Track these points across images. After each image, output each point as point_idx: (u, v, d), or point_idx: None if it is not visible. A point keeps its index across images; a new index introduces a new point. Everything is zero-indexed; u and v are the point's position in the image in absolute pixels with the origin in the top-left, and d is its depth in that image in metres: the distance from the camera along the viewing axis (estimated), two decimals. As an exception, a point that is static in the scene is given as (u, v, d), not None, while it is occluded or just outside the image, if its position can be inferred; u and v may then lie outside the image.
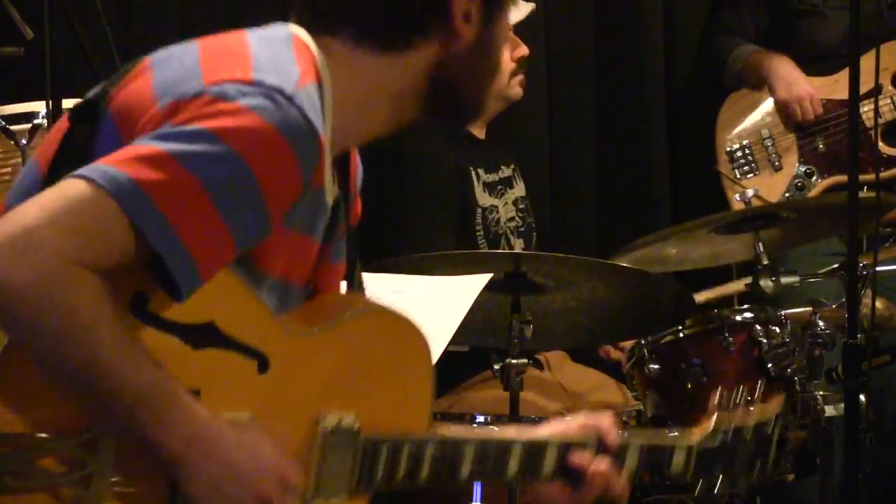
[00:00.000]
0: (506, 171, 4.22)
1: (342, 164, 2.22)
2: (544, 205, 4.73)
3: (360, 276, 2.33)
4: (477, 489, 3.48)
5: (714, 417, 2.48)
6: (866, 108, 4.22)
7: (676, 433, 2.49)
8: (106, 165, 1.87)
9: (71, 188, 1.86)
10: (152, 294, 1.93)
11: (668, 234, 3.79)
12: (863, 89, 3.11)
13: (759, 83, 4.67)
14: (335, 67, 2.08)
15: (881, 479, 4.31)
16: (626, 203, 4.93)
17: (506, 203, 4.21)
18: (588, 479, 2.33)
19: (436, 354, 3.12)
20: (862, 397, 3.11)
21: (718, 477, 2.48)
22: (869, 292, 3.43)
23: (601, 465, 2.34)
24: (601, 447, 2.35)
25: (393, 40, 2.10)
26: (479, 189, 4.08)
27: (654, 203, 4.98)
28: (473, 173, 4.07)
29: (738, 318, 3.64)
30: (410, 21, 2.10)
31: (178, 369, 1.96)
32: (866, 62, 3.17)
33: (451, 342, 3.19)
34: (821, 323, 3.66)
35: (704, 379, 3.58)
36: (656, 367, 3.62)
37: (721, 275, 4.19)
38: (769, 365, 3.57)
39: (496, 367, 3.33)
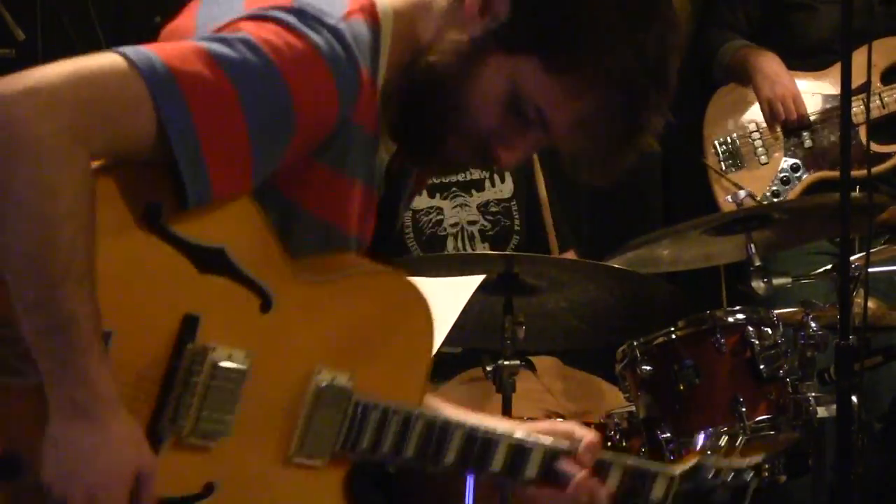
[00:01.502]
0: (474, 174, 4.21)
1: None
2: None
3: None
4: (469, 489, 3.50)
5: (699, 454, 2.48)
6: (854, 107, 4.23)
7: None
8: (148, 49, 1.84)
9: (107, 60, 1.83)
10: (167, 207, 1.90)
11: (660, 235, 3.79)
12: (853, 85, 3.11)
13: (747, 79, 4.69)
14: (406, 5, 2.09)
15: (872, 479, 4.32)
16: (619, 205, 4.93)
17: (462, 206, 4.20)
18: (573, 488, 2.31)
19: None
20: (854, 398, 3.11)
21: None
22: (861, 293, 3.43)
23: (587, 475, 2.32)
24: (577, 458, 2.33)
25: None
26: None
27: (646, 204, 4.98)
28: None
29: (731, 319, 3.63)
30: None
31: (180, 290, 1.94)
32: (857, 58, 3.17)
33: (443, 344, 3.19)
34: (813, 324, 3.66)
35: (697, 380, 3.58)
36: (648, 368, 3.61)
37: (712, 276, 4.19)
38: (761, 366, 3.57)
39: (488, 368, 3.33)
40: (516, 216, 4.28)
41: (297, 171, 2.00)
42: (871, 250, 3.55)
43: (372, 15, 2.03)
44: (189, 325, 1.95)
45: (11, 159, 1.77)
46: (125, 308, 1.91)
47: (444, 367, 3.53)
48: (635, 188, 4.95)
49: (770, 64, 4.65)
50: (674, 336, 3.62)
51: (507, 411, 3.29)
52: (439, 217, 4.16)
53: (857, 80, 3.22)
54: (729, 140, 4.71)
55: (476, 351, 3.57)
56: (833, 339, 3.23)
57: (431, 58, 2.07)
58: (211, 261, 1.96)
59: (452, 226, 4.18)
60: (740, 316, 3.64)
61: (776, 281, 3.81)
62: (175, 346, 1.95)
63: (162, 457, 1.95)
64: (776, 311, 3.67)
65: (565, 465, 2.32)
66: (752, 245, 3.70)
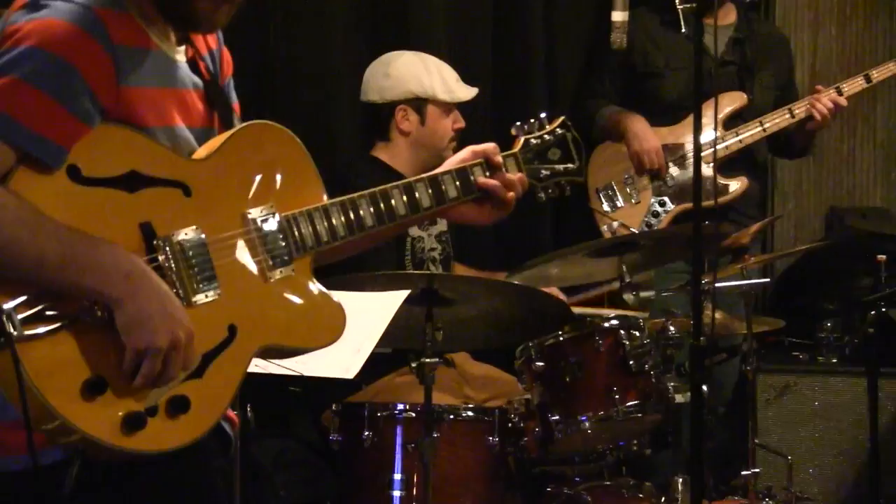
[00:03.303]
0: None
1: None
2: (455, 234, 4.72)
3: (238, 120, 2.30)
4: (397, 462, 3.50)
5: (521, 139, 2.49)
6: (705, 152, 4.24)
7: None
8: None
9: None
10: (82, 163, 1.97)
11: (550, 257, 3.80)
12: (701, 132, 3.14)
13: (619, 137, 4.70)
14: None
15: (719, 452, 4.35)
16: (517, 233, 4.92)
17: (430, 235, 4.21)
18: (494, 190, 2.37)
19: (365, 355, 3.14)
20: (704, 387, 3.13)
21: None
22: (709, 304, 3.46)
23: (498, 177, 2.38)
24: (489, 166, 2.38)
25: None
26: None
27: (540, 233, 4.98)
28: None
29: (607, 324, 3.65)
30: None
31: (127, 211, 2.00)
32: (705, 110, 3.20)
33: (377, 345, 3.18)
34: (672, 328, 3.70)
35: (580, 373, 3.60)
36: (541, 364, 3.62)
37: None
38: (630, 362, 3.60)
39: (413, 364, 3.31)
40: (451, 243, 4.27)
41: (121, 103, 2.02)
42: (718, 269, 3.59)
43: None
44: (147, 229, 2.01)
45: None
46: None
47: (378, 365, 3.51)
48: (531, 221, 4.91)
49: (636, 124, 4.67)
50: (561, 338, 3.63)
51: (428, 400, 3.28)
52: (421, 245, 4.16)
53: (705, 128, 3.25)
54: (608, 187, 4.73)
55: (403, 351, 3.55)
56: (687, 341, 3.25)
57: None
58: (132, 181, 2.02)
59: (430, 250, 4.19)
60: (614, 322, 3.66)
61: (643, 294, 3.83)
62: (146, 247, 2.01)
63: None
64: (643, 318, 3.69)
65: (479, 177, 2.37)
66: (624, 265, 3.72)
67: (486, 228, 3.29)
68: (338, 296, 2.25)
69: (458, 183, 2.36)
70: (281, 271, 2.15)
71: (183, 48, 2.17)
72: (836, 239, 5.51)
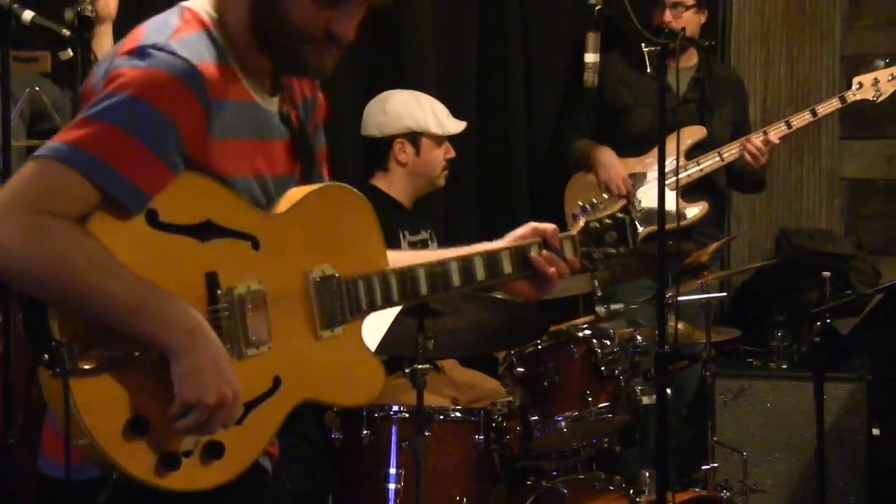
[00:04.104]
0: (424, 234, 4.19)
1: (284, 78, 2.12)
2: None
3: (322, 166, 2.23)
4: (393, 458, 3.50)
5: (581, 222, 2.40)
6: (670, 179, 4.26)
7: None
8: (49, 142, 1.86)
9: (26, 167, 1.84)
10: (161, 209, 1.88)
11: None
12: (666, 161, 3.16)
13: (590, 168, 4.72)
14: (230, 8, 2.00)
15: (681, 449, 4.36)
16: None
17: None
18: (543, 270, 2.28)
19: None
20: (668, 391, 3.15)
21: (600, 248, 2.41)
22: (673, 316, 3.47)
23: (551, 258, 2.29)
24: (546, 245, 2.29)
25: None
26: (404, 245, 4.05)
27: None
28: (401, 233, 4.06)
29: (581, 334, 3.66)
30: None
31: (196, 259, 1.91)
32: (668, 143, 3.22)
33: (375, 353, 3.18)
34: (639, 337, 3.71)
35: (556, 378, 3.60)
36: (522, 369, 3.63)
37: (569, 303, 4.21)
38: (602, 368, 3.60)
39: (407, 370, 3.32)
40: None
41: (207, 156, 1.94)
42: (680, 285, 3.61)
43: (195, 22, 1.99)
44: (212, 279, 1.93)
45: (14, 257, 1.80)
46: (168, 285, 1.88)
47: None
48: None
49: (605, 155, 4.68)
50: (539, 346, 3.63)
51: (420, 401, 3.29)
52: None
53: (669, 158, 3.26)
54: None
55: (398, 358, 3.55)
56: (653, 349, 3.27)
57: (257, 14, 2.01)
58: (206, 231, 1.92)
59: None
60: (587, 331, 3.67)
61: (613, 306, 3.84)
62: (209, 297, 1.92)
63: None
64: (613, 328, 3.70)
65: (533, 257, 2.28)
66: (596, 281, 3.69)
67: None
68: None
69: (514, 260, 2.27)
70: (332, 331, 2.06)
71: (276, 98, 2.09)
72: (785, 257, 5.52)
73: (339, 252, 2.09)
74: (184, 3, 2.04)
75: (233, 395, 1.89)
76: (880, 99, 4.68)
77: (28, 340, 1.84)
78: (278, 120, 2.08)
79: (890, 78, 4.66)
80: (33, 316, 1.83)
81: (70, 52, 2.91)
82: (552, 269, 2.29)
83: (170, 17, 1.99)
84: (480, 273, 2.24)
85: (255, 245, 1.98)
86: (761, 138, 4.62)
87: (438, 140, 4.16)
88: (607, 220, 2.41)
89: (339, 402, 2.10)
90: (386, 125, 4.13)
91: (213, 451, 1.91)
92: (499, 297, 3.65)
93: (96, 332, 1.83)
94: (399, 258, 2.22)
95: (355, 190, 2.14)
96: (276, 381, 1.99)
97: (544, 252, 2.30)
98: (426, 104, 4.16)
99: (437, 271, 2.20)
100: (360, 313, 2.11)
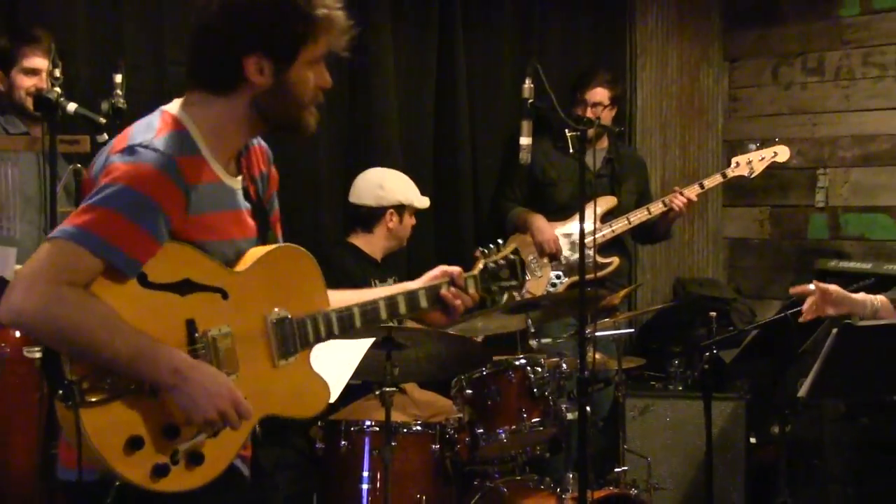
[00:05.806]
0: (390, 282, 4.13)
1: (243, 159, 2.15)
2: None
3: (276, 227, 2.26)
4: (365, 464, 3.48)
5: (481, 261, 2.44)
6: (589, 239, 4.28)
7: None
8: (62, 224, 1.92)
9: (44, 247, 1.90)
10: (149, 271, 1.95)
11: (476, 315, 3.79)
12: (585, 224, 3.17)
13: (525, 230, 4.72)
14: (197, 110, 2.04)
15: (598, 455, 4.36)
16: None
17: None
18: (451, 303, 2.33)
19: (342, 385, 3.14)
20: (587, 408, 3.16)
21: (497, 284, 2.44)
22: (591, 348, 3.48)
23: (457, 293, 2.33)
24: (453, 283, 2.34)
25: (219, 88, 2.04)
26: None
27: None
28: (373, 282, 4.04)
29: (517, 363, 3.65)
30: (223, 78, 2.03)
31: (178, 309, 1.98)
32: (588, 210, 3.22)
33: (351, 378, 3.19)
34: (564, 365, 3.71)
35: (498, 398, 3.59)
36: (470, 391, 3.62)
37: (508, 338, 4.20)
38: (534, 390, 3.60)
39: (377, 392, 3.31)
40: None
41: (188, 228, 2.00)
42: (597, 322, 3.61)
43: (172, 122, 2.03)
44: (191, 325, 1.99)
45: (40, 323, 1.87)
46: (157, 331, 1.95)
47: (352, 392, 3.51)
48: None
49: (538, 221, 4.70)
50: (484, 372, 3.63)
51: (388, 418, 3.27)
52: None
53: (588, 222, 3.27)
54: None
55: (370, 382, 3.54)
56: (575, 374, 3.28)
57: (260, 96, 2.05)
58: (185, 287, 1.99)
59: None
60: (522, 361, 3.67)
61: (543, 340, 3.85)
62: (189, 339, 1.99)
63: None
64: (543, 358, 3.70)
65: (444, 292, 2.33)
66: (530, 319, 3.75)
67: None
68: (325, 343, 2.22)
69: (428, 296, 2.32)
70: (287, 360, 2.12)
71: (239, 177, 2.13)
72: (680, 301, 5.58)
73: (290, 298, 2.13)
74: (163, 108, 2.10)
75: (230, 401, 1.96)
76: (753, 175, 4.75)
77: (45, 379, 1.92)
78: (241, 195, 2.14)
79: (760, 158, 4.74)
80: (49, 360, 1.91)
81: (105, 136, 2.93)
82: (458, 302, 2.35)
83: (152, 120, 2.05)
84: (402, 308, 2.29)
85: (225, 296, 2.04)
86: (686, 193, 4.63)
87: (413, 212, 4.19)
88: (501, 261, 2.45)
89: (294, 415, 2.15)
90: (384, 198, 4.13)
91: (195, 459, 1.98)
92: (451, 333, 3.66)
93: (100, 372, 1.90)
94: (339, 297, 2.28)
95: (302, 248, 2.20)
96: None
97: (452, 289, 2.35)
98: (409, 183, 4.21)
99: (368, 308, 2.24)
100: (308, 345, 2.16)
